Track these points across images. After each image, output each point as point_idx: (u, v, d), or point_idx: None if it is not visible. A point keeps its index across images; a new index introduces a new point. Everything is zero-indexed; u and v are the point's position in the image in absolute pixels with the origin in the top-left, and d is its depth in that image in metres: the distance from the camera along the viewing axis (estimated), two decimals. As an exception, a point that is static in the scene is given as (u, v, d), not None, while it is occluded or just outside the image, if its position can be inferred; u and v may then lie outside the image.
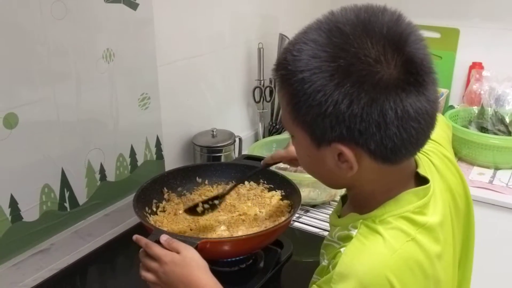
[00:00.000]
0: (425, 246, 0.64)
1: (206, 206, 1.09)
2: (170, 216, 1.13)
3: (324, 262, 0.71)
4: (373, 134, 0.60)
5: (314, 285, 0.67)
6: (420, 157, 0.75)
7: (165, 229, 1.05)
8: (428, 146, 0.78)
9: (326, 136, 0.62)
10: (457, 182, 0.80)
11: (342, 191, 0.76)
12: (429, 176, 0.71)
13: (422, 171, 0.72)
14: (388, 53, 0.59)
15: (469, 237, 0.83)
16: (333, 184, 0.76)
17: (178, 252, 0.81)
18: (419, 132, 0.62)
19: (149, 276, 0.82)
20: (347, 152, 0.62)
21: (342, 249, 0.65)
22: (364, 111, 0.59)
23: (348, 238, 0.67)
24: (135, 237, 0.85)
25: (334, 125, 0.60)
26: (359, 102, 0.58)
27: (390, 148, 0.61)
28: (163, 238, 0.84)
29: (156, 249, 0.82)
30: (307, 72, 0.60)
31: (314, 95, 0.60)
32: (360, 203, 0.73)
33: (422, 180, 0.71)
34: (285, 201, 1.17)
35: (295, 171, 1.40)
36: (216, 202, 1.09)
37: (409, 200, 0.67)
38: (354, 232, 0.67)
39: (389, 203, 0.67)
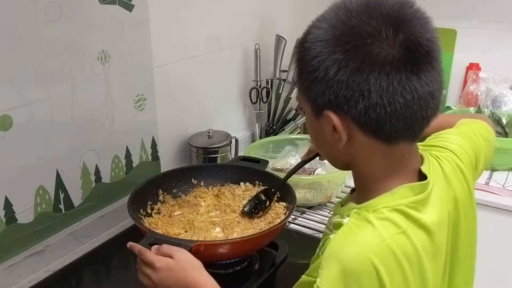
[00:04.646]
0: (415, 241, 0.64)
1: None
2: (165, 218, 1.12)
3: (318, 250, 0.72)
4: (357, 102, 0.63)
5: (303, 275, 0.68)
6: (429, 159, 0.75)
7: (160, 231, 1.05)
8: (444, 154, 0.79)
9: (317, 101, 0.66)
10: (465, 195, 0.78)
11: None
12: (430, 176, 0.71)
13: (425, 169, 0.72)
14: (383, 30, 0.62)
15: (472, 249, 0.82)
16: (334, 159, 0.78)
17: (171, 257, 0.81)
18: (405, 109, 0.63)
19: (145, 281, 0.82)
20: (335, 119, 0.65)
21: (331, 236, 0.66)
22: (350, 78, 0.62)
23: (339, 226, 0.68)
24: (129, 244, 0.85)
25: (324, 91, 0.65)
26: (346, 69, 0.62)
27: (374, 119, 0.64)
28: (152, 249, 0.83)
29: (149, 255, 0.82)
30: (310, 43, 0.66)
31: (311, 61, 0.65)
32: (361, 185, 0.74)
33: (425, 179, 0.71)
34: (281, 203, 1.17)
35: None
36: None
37: (404, 194, 0.68)
38: (346, 220, 0.67)
39: (385, 195, 0.68)
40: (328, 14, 0.66)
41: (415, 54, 0.62)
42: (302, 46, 0.67)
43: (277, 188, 1.16)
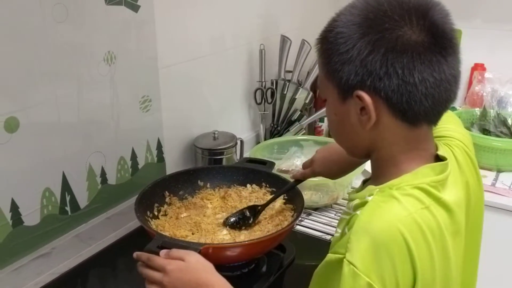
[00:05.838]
0: (438, 218, 0.66)
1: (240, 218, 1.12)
2: (172, 220, 1.12)
3: (337, 234, 0.72)
4: (390, 80, 0.66)
5: (329, 254, 0.68)
6: (443, 146, 0.77)
7: (167, 233, 1.04)
8: (454, 142, 0.82)
9: (349, 82, 0.68)
10: (475, 184, 0.81)
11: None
12: (447, 158, 0.73)
13: (442, 153, 0.74)
14: (413, 16, 0.66)
15: (476, 242, 0.83)
16: (355, 147, 0.78)
17: (182, 259, 0.81)
18: (433, 88, 0.66)
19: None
20: (367, 98, 0.67)
21: (358, 212, 0.67)
22: (384, 57, 0.65)
23: (363, 204, 0.69)
24: (136, 254, 0.85)
25: (357, 70, 0.67)
26: (380, 49, 0.65)
27: (406, 97, 0.66)
28: (162, 253, 0.83)
29: (159, 260, 0.81)
30: (342, 27, 0.69)
31: (343, 44, 0.68)
32: (380, 170, 0.75)
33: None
34: (288, 205, 1.16)
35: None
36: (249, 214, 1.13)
37: (426, 173, 0.70)
38: (370, 198, 0.69)
39: (407, 175, 0.70)
40: (358, 4, 0.70)
41: (441, 38, 0.66)
42: (332, 31, 0.70)
43: (263, 207, 1.12)
